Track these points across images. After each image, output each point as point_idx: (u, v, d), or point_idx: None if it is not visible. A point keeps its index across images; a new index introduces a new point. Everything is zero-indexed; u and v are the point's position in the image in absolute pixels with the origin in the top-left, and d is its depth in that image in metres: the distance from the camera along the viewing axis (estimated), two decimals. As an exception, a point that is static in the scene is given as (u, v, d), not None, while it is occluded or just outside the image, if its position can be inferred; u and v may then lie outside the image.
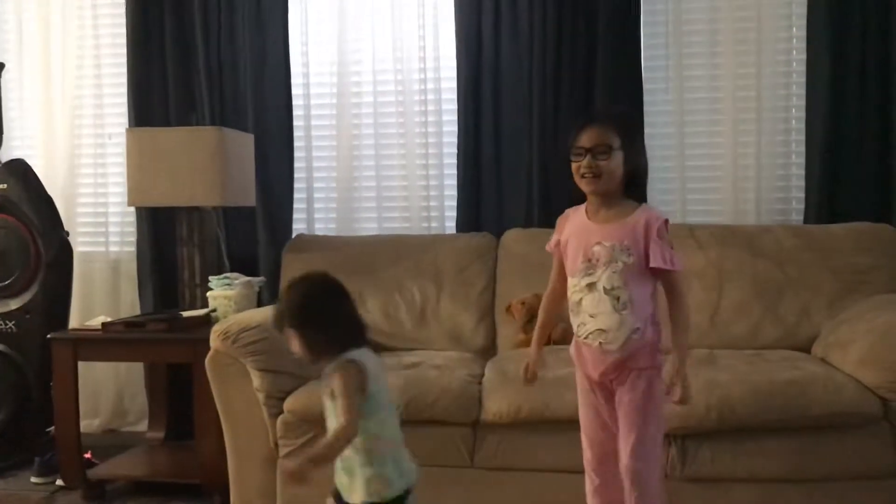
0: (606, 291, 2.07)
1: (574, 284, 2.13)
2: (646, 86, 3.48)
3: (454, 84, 3.61)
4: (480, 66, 3.56)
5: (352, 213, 3.77)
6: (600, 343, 2.08)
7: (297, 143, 3.76)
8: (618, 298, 2.07)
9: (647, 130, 3.45)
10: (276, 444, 2.71)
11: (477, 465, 2.57)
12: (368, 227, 3.76)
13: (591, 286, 2.09)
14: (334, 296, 1.96)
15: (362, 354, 1.91)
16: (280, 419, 2.69)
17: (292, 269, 3.40)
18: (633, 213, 2.10)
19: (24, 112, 4.06)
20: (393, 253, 3.41)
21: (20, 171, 3.62)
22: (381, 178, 3.75)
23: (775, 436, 2.44)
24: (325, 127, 3.80)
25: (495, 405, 2.55)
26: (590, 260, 2.10)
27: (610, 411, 2.15)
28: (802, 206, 3.44)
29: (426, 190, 3.70)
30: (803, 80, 3.42)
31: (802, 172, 3.44)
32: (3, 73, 3.78)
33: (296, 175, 3.77)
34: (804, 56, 3.42)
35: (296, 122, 3.75)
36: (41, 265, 3.53)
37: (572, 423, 2.48)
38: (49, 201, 3.65)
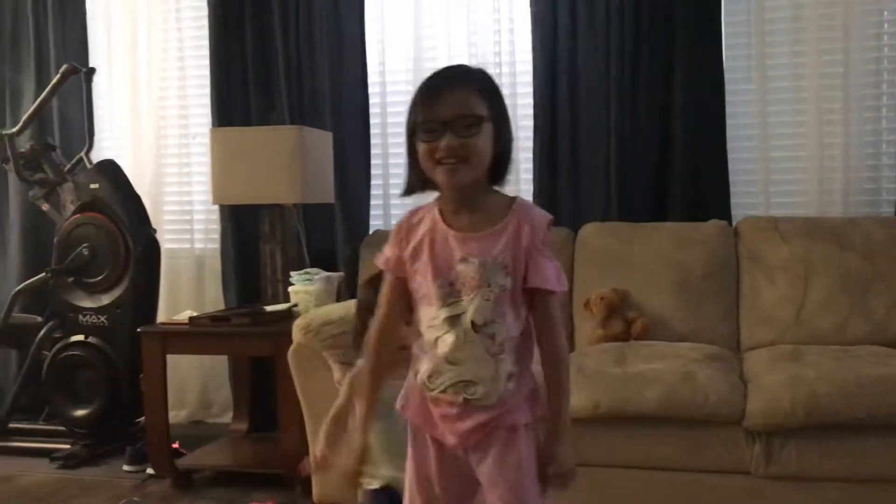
0: (477, 328, 1.48)
1: (431, 318, 1.51)
2: (727, 75, 3.40)
3: (530, 78, 3.59)
4: (556, 59, 3.53)
5: (428, 208, 3.79)
6: (465, 399, 1.50)
7: (373, 141, 3.81)
8: (492, 337, 1.48)
9: (728, 122, 3.40)
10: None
11: (555, 460, 2.56)
12: (444, 222, 3.77)
13: (452, 320, 1.49)
14: None
15: None
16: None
17: (370, 264, 3.45)
18: (506, 214, 1.51)
19: (113, 114, 4.22)
20: (469, 248, 3.40)
21: (110, 171, 3.75)
22: (457, 173, 3.75)
23: (864, 434, 2.37)
24: (400, 124, 3.79)
25: (575, 400, 2.51)
26: (452, 284, 1.49)
27: (464, 488, 1.59)
28: (894, 197, 3.32)
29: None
30: (895, 66, 3.29)
31: (894, 163, 3.32)
32: (94, 77, 3.94)
33: (372, 172, 3.81)
34: (895, 41, 3.29)
35: (372, 120, 3.80)
36: (130, 262, 3.66)
37: (653, 420, 2.47)
38: (137, 200, 3.77)
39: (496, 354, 1.50)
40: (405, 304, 1.59)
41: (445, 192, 1.53)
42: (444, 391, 1.52)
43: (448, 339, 1.50)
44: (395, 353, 1.64)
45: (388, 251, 1.57)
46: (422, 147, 1.48)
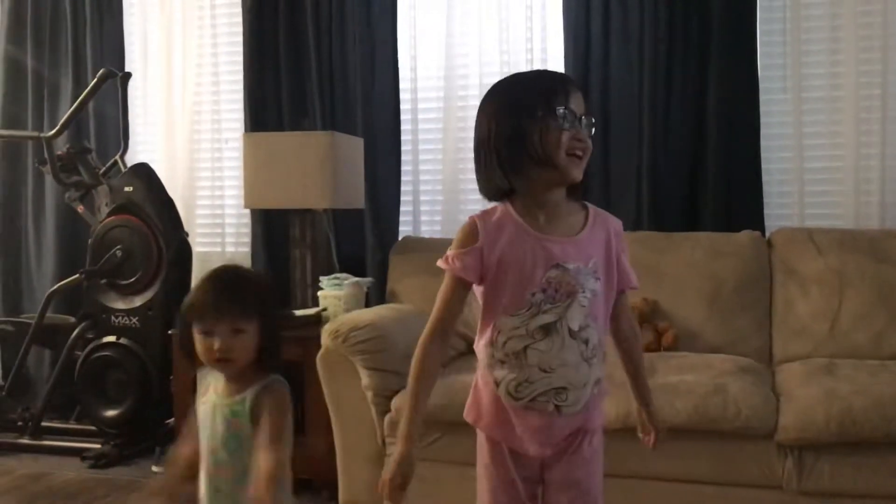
0: (573, 334, 1.50)
1: (514, 327, 1.50)
2: (762, 84, 3.36)
3: (562, 86, 3.58)
4: (589, 66, 3.52)
5: (457, 215, 3.79)
6: (556, 406, 1.51)
7: (404, 147, 3.82)
8: (586, 342, 1.51)
9: (763, 131, 3.36)
10: (384, 442, 2.75)
11: (583, 471, 2.54)
12: (474, 229, 3.77)
13: (546, 328, 1.49)
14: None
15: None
16: (387, 417, 2.73)
17: (399, 269, 3.46)
18: (586, 218, 1.54)
19: (147, 118, 4.27)
20: (499, 255, 3.39)
21: (144, 174, 3.80)
22: (487, 180, 3.75)
23: (901, 451, 2.32)
24: (431, 130, 3.84)
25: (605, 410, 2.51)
26: (545, 290, 1.49)
27: (530, 494, 1.61)
28: (932, 209, 3.26)
29: (532, 192, 3.68)
30: (934, 75, 3.24)
31: (932, 174, 3.26)
32: (129, 82, 3.99)
33: (403, 178, 3.82)
34: (935, 50, 3.24)
35: (403, 126, 3.81)
36: (163, 264, 3.70)
37: (683, 433, 2.44)
38: (170, 203, 3.81)
39: (589, 359, 1.52)
40: (459, 313, 1.56)
41: (537, 191, 1.51)
42: (532, 400, 1.51)
43: (542, 347, 1.50)
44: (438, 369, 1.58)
45: (467, 257, 1.51)
46: (557, 133, 1.46)
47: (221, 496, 1.59)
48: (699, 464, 2.46)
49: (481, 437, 1.61)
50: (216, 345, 1.54)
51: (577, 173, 1.49)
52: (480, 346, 1.59)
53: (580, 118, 1.48)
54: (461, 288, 1.54)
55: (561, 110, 1.47)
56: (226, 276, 1.63)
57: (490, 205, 1.59)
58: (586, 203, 1.58)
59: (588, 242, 1.52)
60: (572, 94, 1.49)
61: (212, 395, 1.62)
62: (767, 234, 3.27)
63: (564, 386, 1.51)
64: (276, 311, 1.66)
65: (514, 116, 1.49)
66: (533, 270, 1.49)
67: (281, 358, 1.64)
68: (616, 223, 1.58)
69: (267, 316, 1.59)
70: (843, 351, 2.90)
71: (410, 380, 1.56)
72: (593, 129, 1.52)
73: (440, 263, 1.56)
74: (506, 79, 1.65)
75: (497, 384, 1.54)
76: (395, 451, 1.53)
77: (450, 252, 1.55)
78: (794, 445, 2.38)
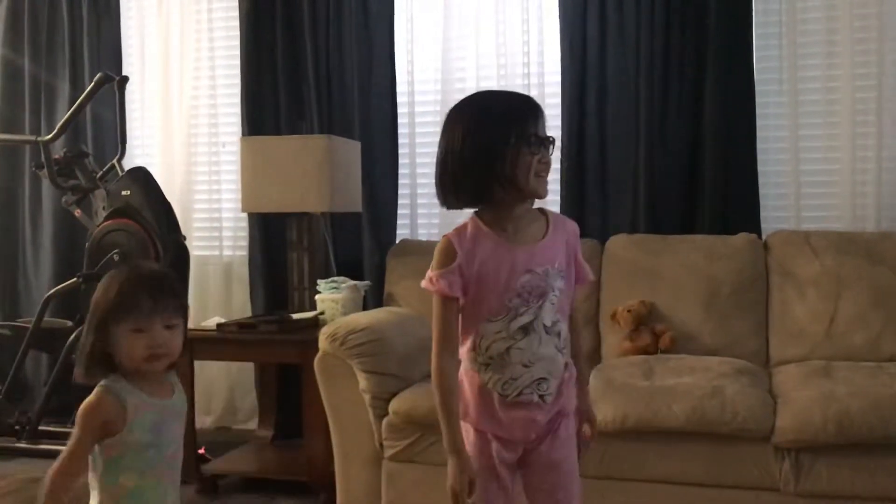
0: (548, 330, 1.64)
1: (497, 331, 1.63)
2: (758, 87, 3.37)
3: (558, 90, 3.59)
4: (585, 70, 3.53)
5: (454, 217, 3.75)
6: (540, 396, 1.65)
7: (401, 151, 3.82)
8: (559, 335, 1.67)
9: (759, 134, 3.37)
10: (382, 445, 2.75)
11: (582, 475, 2.53)
12: (471, 232, 3.77)
13: (525, 328, 1.62)
14: None
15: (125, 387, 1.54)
16: (385, 420, 2.73)
17: (397, 273, 3.46)
18: (548, 223, 1.68)
19: (144, 122, 4.27)
20: (496, 258, 3.40)
21: (142, 178, 3.79)
22: (484, 183, 3.75)
23: (899, 453, 2.33)
24: (428, 134, 3.84)
25: (601, 413, 2.49)
26: (520, 295, 1.62)
27: (512, 478, 1.73)
28: (928, 212, 3.27)
29: (529, 196, 3.68)
30: (929, 78, 3.25)
31: (928, 176, 3.27)
32: (126, 86, 3.99)
33: (400, 181, 3.82)
34: (930, 54, 3.25)
35: (400, 130, 3.81)
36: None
37: (680, 435, 2.44)
38: (168, 207, 3.81)
39: (562, 349, 1.68)
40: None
41: (503, 205, 1.63)
42: (519, 395, 1.64)
43: (522, 346, 1.63)
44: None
45: (449, 275, 1.62)
46: (529, 158, 1.59)
47: (176, 490, 1.63)
48: (696, 466, 2.47)
49: (468, 430, 1.70)
50: (155, 340, 1.53)
51: (544, 191, 1.64)
52: (463, 351, 1.69)
53: (546, 141, 1.63)
54: (451, 304, 1.65)
55: (533, 138, 1.61)
56: (150, 275, 1.62)
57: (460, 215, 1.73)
58: (543, 209, 1.72)
59: (552, 246, 1.67)
60: (541, 119, 1.63)
61: (151, 401, 1.56)
62: (764, 236, 3.27)
63: (545, 376, 1.65)
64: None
65: (488, 138, 1.61)
66: (509, 278, 1.62)
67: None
68: (572, 225, 1.74)
69: (187, 311, 1.64)
70: (839, 353, 2.90)
71: (438, 401, 1.65)
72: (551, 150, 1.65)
73: (424, 285, 1.66)
74: (479, 95, 1.78)
75: (486, 384, 1.66)
76: (450, 463, 1.64)
77: (431, 273, 1.65)
78: (792, 447, 2.38)
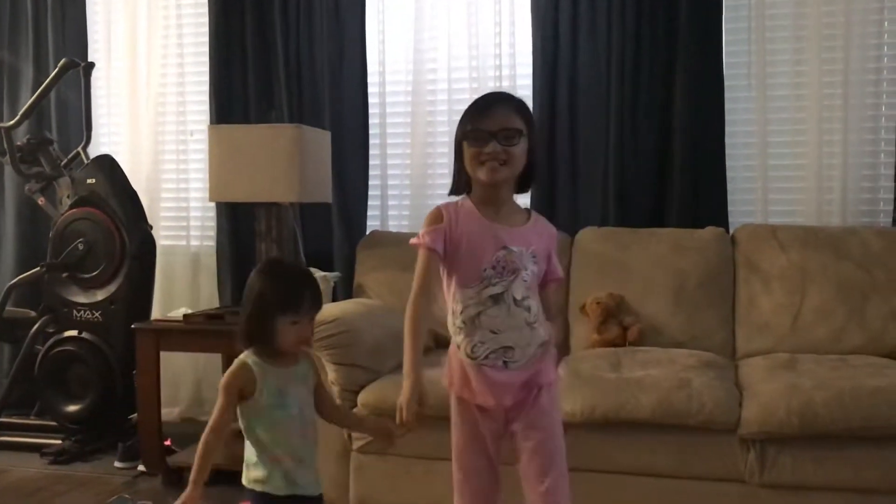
0: (517, 303, 1.83)
1: (469, 297, 1.83)
2: (727, 82, 3.40)
3: (530, 82, 3.59)
4: (557, 63, 3.53)
5: (425, 210, 3.71)
6: (504, 362, 1.83)
7: (372, 141, 3.80)
8: (529, 310, 1.84)
9: (727, 129, 3.40)
10: (350, 437, 2.74)
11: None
12: (441, 224, 3.77)
13: (496, 297, 1.82)
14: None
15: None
16: (354, 412, 2.72)
17: (367, 264, 3.44)
18: (531, 217, 1.93)
19: (111, 110, 4.21)
20: (466, 250, 3.40)
21: (107, 166, 3.74)
22: (455, 175, 3.75)
23: (860, 444, 2.36)
24: (399, 125, 3.83)
25: (569, 404, 2.52)
26: (494, 267, 1.83)
27: (496, 447, 1.91)
28: (891, 207, 3.31)
29: (499, 188, 3.68)
30: (895, 75, 3.29)
31: (892, 172, 3.31)
32: (92, 72, 3.92)
33: (371, 172, 3.81)
34: (896, 51, 3.30)
35: (371, 120, 3.79)
36: (126, 257, 3.65)
37: (647, 427, 2.46)
38: (134, 196, 3.76)
39: (532, 324, 1.85)
40: (433, 284, 1.88)
41: (482, 189, 1.87)
42: (486, 358, 1.83)
43: (492, 313, 1.82)
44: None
45: (434, 233, 1.85)
46: (469, 151, 1.83)
47: (309, 443, 1.89)
48: (663, 457, 2.49)
49: (453, 400, 1.92)
50: (304, 332, 1.85)
51: (482, 175, 1.83)
52: (448, 318, 1.91)
53: (494, 134, 1.81)
54: (433, 259, 1.86)
55: (471, 133, 1.84)
56: (307, 273, 1.97)
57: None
58: (529, 209, 1.97)
59: (529, 233, 1.89)
60: (483, 114, 1.84)
61: (277, 370, 1.84)
62: (731, 230, 3.31)
63: (511, 345, 1.83)
64: None
65: (457, 135, 1.90)
66: (485, 250, 1.84)
67: None
68: (552, 228, 1.97)
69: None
70: (804, 346, 2.94)
71: (406, 329, 1.86)
72: (512, 140, 1.82)
73: (413, 241, 1.89)
74: None
75: (458, 348, 1.87)
76: (403, 385, 1.82)
77: (420, 232, 1.89)
78: (757, 439, 2.41)
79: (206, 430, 1.83)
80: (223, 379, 1.85)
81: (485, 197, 1.88)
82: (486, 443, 1.90)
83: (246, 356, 1.85)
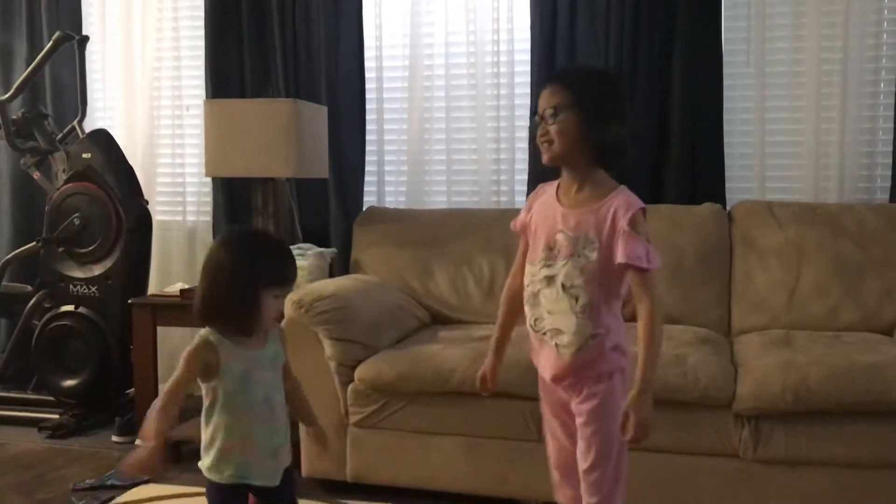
0: (565, 288, 1.80)
1: (533, 273, 1.87)
2: (726, 58, 3.38)
3: (528, 56, 3.57)
4: (555, 37, 3.50)
5: (422, 186, 3.78)
6: (556, 344, 1.84)
7: (368, 116, 3.78)
8: (576, 299, 1.79)
9: (725, 105, 3.38)
10: (347, 412, 2.75)
11: (544, 439, 2.56)
12: (438, 200, 3.77)
13: (549, 279, 1.83)
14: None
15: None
16: (350, 387, 2.73)
17: (363, 240, 3.44)
18: (605, 198, 1.80)
19: (106, 84, 4.18)
20: (462, 226, 3.41)
21: (103, 140, 3.72)
22: (452, 151, 3.74)
23: (853, 420, 2.38)
24: (396, 100, 3.81)
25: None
26: (551, 249, 1.83)
27: (567, 415, 1.93)
28: (888, 184, 3.31)
29: (496, 164, 3.68)
30: (894, 52, 3.28)
31: (889, 150, 3.31)
32: (87, 45, 3.89)
33: (367, 148, 3.79)
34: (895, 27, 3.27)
35: (368, 95, 3.77)
36: (122, 233, 3.64)
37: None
38: (130, 171, 3.75)
39: (578, 313, 1.80)
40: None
41: (561, 172, 1.87)
42: (544, 334, 1.86)
43: (546, 293, 1.84)
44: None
45: (521, 216, 1.95)
46: (537, 133, 1.84)
47: (276, 432, 1.80)
48: (658, 433, 2.46)
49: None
50: (284, 305, 1.82)
51: (543, 158, 1.84)
52: None
53: (542, 115, 1.81)
54: (520, 239, 1.97)
55: (536, 118, 1.85)
56: (283, 245, 1.88)
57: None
58: (620, 186, 1.84)
59: (590, 217, 1.79)
60: (541, 96, 1.84)
61: (243, 352, 1.76)
62: (729, 207, 3.30)
63: (560, 328, 1.82)
64: None
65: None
66: (545, 231, 1.85)
67: None
68: (626, 203, 1.78)
69: None
70: (800, 322, 2.95)
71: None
72: (555, 117, 1.79)
73: (512, 225, 1.99)
74: None
75: (529, 319, 1.91)
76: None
77: None
78: (751, 415, 2.42)
79: (163, 395, 1.75)
80: (185, 351, 1.75)
81: (564, 177, 1.87)
82: (553, 411, 1.96)
83: (208, 333, 1.75)
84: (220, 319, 1.74)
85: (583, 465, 1.87)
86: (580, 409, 1.86)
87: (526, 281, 1.89)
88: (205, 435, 1.80)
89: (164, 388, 1.79)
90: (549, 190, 1.91)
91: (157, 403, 1.76)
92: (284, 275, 1.78)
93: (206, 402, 1.79)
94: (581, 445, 1.88)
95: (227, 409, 1.76)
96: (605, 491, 1.86)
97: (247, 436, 1.77)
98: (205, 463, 1.81)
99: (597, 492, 1.86)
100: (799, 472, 2.42)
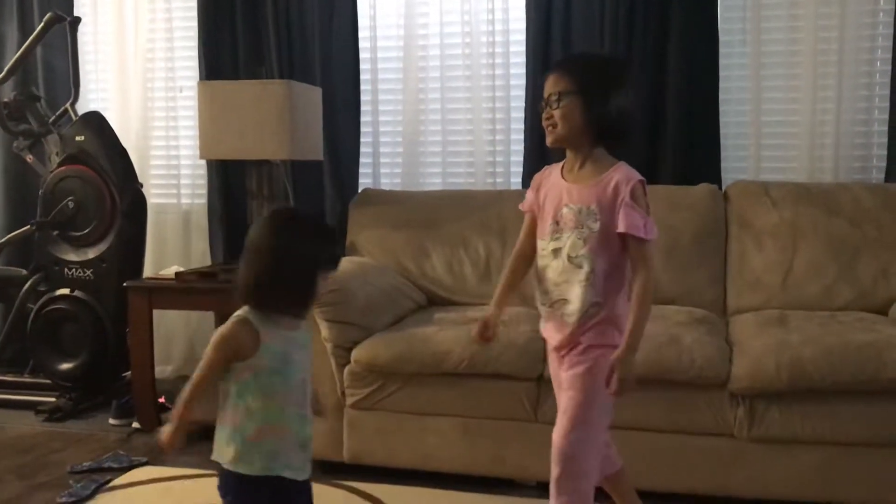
0: (570, 259, 1.91)
1: (541, 248, 1.99)
2: (722, 38, 3.37)
3: (523, 37, 3.55)
4: (550, 18, 3.48)
5: (417, 167, 3.77)
6: (562, 314, 1.94)
7: (363, 98, 3.77)
8: (580, 267, 1.90)
9: (721, 85, 3.37)
10: (343, 393, 2.76)
11: (541, 420, 2.57)
12: (433, 181, 3.76)
13: (556, 252, 1.94)
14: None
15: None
16: (347, 369, 2.74)
17: (359, 222, 3.44)
18: (606, 172, 1.91)
19: (98, 66, 4.15)
20: (458, 208, 3.40)
21: (96, 123, 3.70)
22: (447, 132, 3.73)
23: (847, 399, 2.39)
24: (391, 81, 3.79)
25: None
26: (557, 223, 1.95)
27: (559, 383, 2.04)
28: (884, 164, 3.31)
29: (492, 145, 3.67)
30: (890, 31, 3.27)
31: (885, 129, 3.31)
32: (79, 27, 3.86)
33: (362, 129, 3.78)
34: (892, 6, 3.26)
35: (362, 76, 3.75)
36: (117, 216, 3.63)
37: (638, 382, 2.46)
38: (124, 153, 3.73)
39: (582, 282, 1.89)
40: (534, 238, 2.03)
41: (565, 152, 1.99)
42: (552, 306, 1.96)
43: (553, 266, 1.94)
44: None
45: (528, 197, 2.06)
46: (542, 115, 1.96)
47: (307, 422, 1.75)
48: (653, 412, 2.51)
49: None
50: (329, 284, 1.79)
51: (548, 140, 1.95)
52: None
53: (547, 100, 1.93)
54: (526, 216, 2.09)
55: (541, 103, 1.97)
56: (327, 225, 1.91)
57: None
58: (619, 162, 1.94)
59: (592, 190, 1.90)
60: (546, 82, 1.95)
61: (279, 332, 1.71)
62: (724, 187, 3.30)
63: (566, 298, 1.93)
64: None
65: None
66: (553, 206, 1.96)
67: None
68: (625, 176, 1.89)
69: None
70: (794, 302, 2.96)
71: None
72: (558, 102, 1.90)
73: (520, 206, 2.10)
74: None
75: (538, 293, 2.01)
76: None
77: None
78: (746, 394, 2.43)
79: (190, 385, 1.68)
80: (217, 334, 1.69)
81: (568, 157, 1.99)
82: (559, 383, 2.02)
83: (246, 312, 1.70)
84: (277, 300, 1.69)
85: (555, 434, 1.94)
86: (566, 375, 1.96)
87: (536, 257, 2.01)
88: (227, 423, 1.70)
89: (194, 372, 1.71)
90: (554, 171, 2.01)
91: (187, 387, 1.70)
92: (337, 255, 1.82)
93: (232, 388, 1.69)
94: (560, 413, 1.96)
95: (262, 391, 1.67)
96: (577, 470, 1.92)
97: (280, 421, 1.69)
98: (227, 454, 1.70)
99: (564, 465, 1.91)
100: (793, 452, 2.44)
